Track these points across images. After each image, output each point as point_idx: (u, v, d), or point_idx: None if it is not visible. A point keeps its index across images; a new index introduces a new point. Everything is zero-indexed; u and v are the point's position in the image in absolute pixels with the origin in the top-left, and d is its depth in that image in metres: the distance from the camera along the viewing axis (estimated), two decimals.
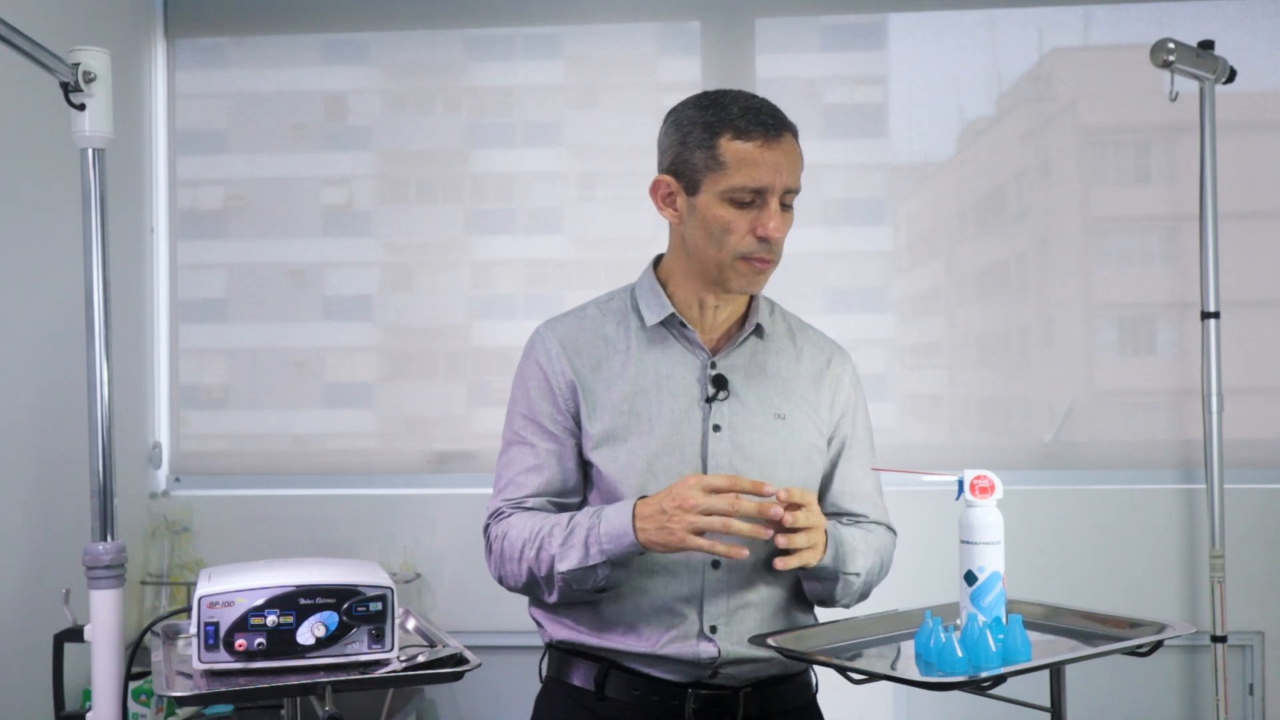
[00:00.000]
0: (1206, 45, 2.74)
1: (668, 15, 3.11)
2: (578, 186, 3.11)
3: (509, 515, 1.71)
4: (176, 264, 3.15)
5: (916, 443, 3.07)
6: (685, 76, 3.08)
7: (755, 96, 1.68)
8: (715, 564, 1.66)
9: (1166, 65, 2.62)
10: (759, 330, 1.75)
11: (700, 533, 1.52)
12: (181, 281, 3.16)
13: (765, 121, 1.62)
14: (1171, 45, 2.61)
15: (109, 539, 1.76)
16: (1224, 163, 2.76)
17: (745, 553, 1.54)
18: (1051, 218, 3.05)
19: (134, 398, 2.99)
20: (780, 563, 1.54)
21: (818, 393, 1.76)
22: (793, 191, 1.66)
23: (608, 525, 1.59)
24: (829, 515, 1.76)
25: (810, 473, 1.73)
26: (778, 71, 3.09)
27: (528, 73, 3.13)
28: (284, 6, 3.16)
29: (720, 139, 1.63)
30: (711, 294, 1.71)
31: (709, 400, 1.69)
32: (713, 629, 1.65)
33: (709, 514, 1.51)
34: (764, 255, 1.65)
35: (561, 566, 1.61)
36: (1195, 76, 2.72)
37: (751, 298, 1.76)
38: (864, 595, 1.74)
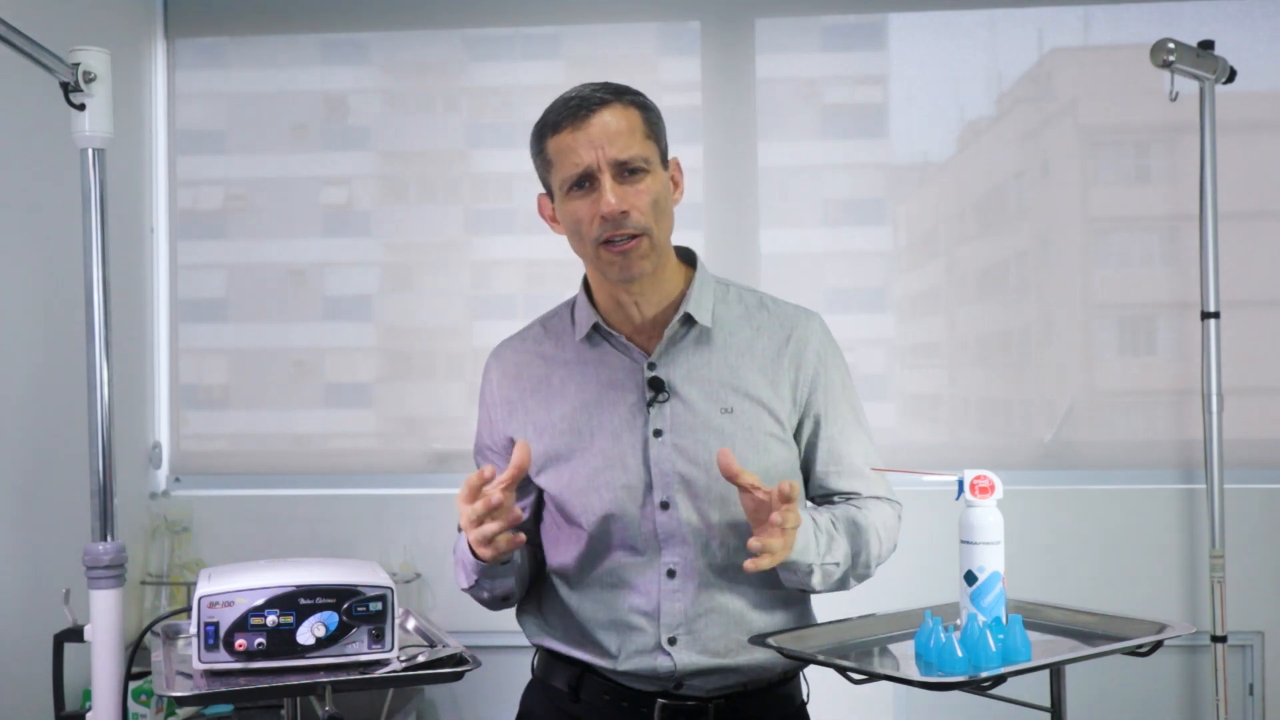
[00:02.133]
0: (1206, 45, 2.74)
1: (668, 15, 3.11)
2: None
3: (461, 535, 1.76)
4: (176, 264, 3.15)
5: (916, 443, 3.07)
6: (685, 76, 3.07)
7: (585, 86, 1.63)
8: (670, 573, 1.63)
9: (1166, 65, 2.62)
10: (691, 320, 1.66)
11: (489, 539, 1.50)
12: (181, 281, 3.16)
13: (574, 106, 1.60)
14: (1171, 45, 2.61)
15: (109, 539, 1.76)
16: (1224, 163, 2.76)
17: (522, 539, 1.53)
18: (1051, 218, 3.05)
19: (134, 398, 2.99)
20: (751, 564, 1.47)
21: (776, 374, 1.67)
22: (626, 163, 1.57)
23: (461, 547, 1.63)
24: (819, 497, 1.74)
25: (770, 463, 1.64)
26: (778, 71, 3.09)
27: (528, 73, 3.13)
28: (284, 6, 3.16)
29: (545, 141, 1.63)
30: (620, 291, 1.65)
31: (648, 404, 1.64)
32: (671, 640, 1.63)
33: (474, 523, 1.49)
34: (616, 233, 1.57)
35: (460, 585, 1.69)
36: (1195, 76, 2.72)
37: (686, 285, 1.68)
38: (864, 576, 1.68)
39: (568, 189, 1.60)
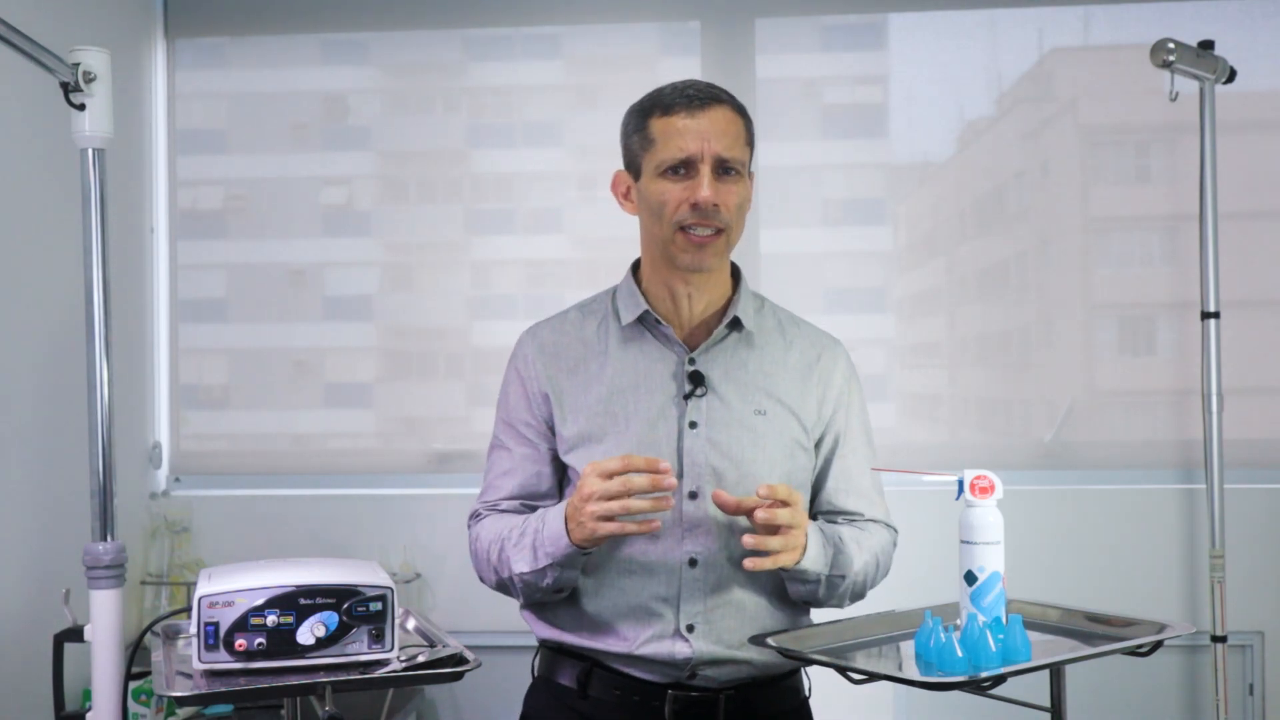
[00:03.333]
0: (1206, 45, 2.74)
1: (668, 15, 3.11)
2: (578, 186, 3.11)
3: (484, 517, 1.76)
4: (176, 264, 3.15)
5: (916, 443, 3.07)
6: (685, 76, 3.06)
7: (696, 80, 1.70)
8: (692, 562, 1.65)
9: (1166, 65, 2.62)
10: (739, 324, 1.72)
11: (611, 518, 1.52)
12: (181, 281, 3.16)
13: (690, 95, 1.65)
14: (1171, 45, 2.61)
15: (109, 539, 1.76)
16: (1224, 163, 2.76)
17: (657, 525, 1.54)
18: (1051, 218, 3.05)
19: (134, 398, 2.99)
20: (750, 563, 1.53)
21: (805, 387, 1.74)
22: (727, 161, 1.64)
23: (548, 529, 1.61)
24: (824, 513, 1.76)
25: (794, 468, 1.71)
26: (778, 71, 3.09)
27: (528, 73, 3.13)
28: (284, 6, 3.16)
29: (650, 119, 1.67)
30: (678, 281, 1.69)
31: (686, 397, 1.68)
32: (689, 628, 1.65)
33: (607, 498, 1.51)
34: (701, 222, 1.63)
35: (516, 569, 1.65)
36: (1195, 76, 2.72)
37: (733, 290, 1.75)
38: (859, 596, 1.73)
39: (663, 170, 1.65)
